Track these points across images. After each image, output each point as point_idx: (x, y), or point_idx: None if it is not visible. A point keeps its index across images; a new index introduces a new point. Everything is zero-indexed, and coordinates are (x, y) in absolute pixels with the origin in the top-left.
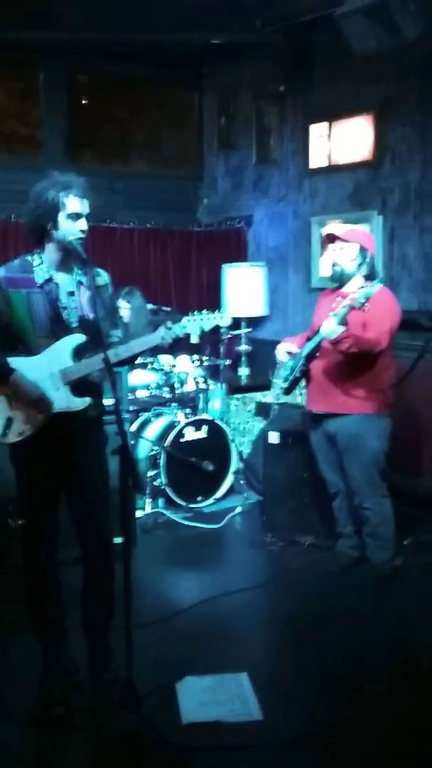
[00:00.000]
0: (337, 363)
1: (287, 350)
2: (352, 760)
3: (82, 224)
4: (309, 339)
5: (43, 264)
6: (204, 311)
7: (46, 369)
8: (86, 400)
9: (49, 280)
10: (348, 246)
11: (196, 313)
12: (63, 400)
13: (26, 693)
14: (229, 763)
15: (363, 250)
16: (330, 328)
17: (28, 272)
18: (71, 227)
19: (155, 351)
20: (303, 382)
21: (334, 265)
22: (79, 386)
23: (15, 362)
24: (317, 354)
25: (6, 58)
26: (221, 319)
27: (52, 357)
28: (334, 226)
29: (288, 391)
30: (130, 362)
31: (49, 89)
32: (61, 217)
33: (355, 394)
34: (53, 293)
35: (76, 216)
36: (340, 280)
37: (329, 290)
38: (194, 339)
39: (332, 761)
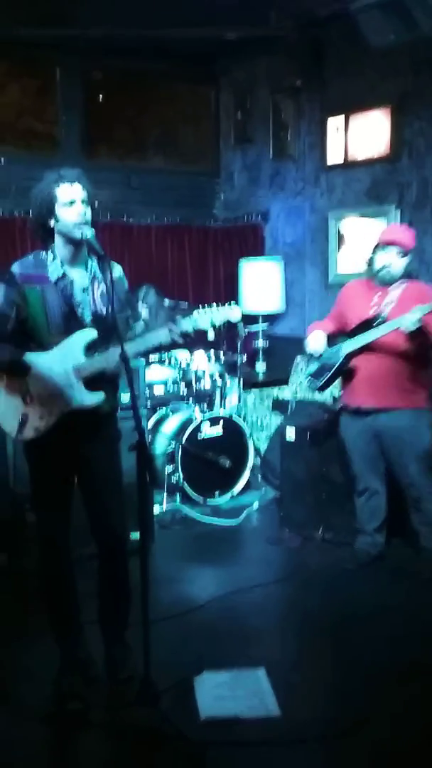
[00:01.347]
0: (393, 359)
1: (320, 346)
2: (367, 757)
3: (78, 208)
4: (349, 335)
5: (56, 260)
6: (214, 304)
7: (60, 365)
8: (100, 396)
9: (63, 276)
10: (408, 254)
11: (206, 306)
12: (77, 396)
13: (43, 689)
14: (246, 759)
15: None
16: (415, 318)
17: (41, 268)
18: (68, 215)
19: (173, 347)
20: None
21: (384, 267)
22: (93, 380)
23: (29, 358)
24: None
25: (22, 56)
26: (231, 311)
27: (65, 353)
28: (394, 231)
29: (323, 387)
30: (145, 354)
31: (65, 86)
32: (58, 208)
33: (409, 389)
34: (68, 290)
35: (70, 203)
36: (389, 282)
37: (359, 284)
38: (210, 336)
39: (349, 758)
